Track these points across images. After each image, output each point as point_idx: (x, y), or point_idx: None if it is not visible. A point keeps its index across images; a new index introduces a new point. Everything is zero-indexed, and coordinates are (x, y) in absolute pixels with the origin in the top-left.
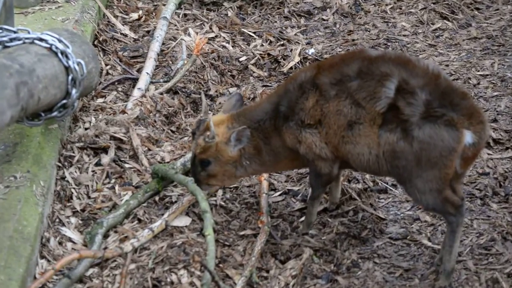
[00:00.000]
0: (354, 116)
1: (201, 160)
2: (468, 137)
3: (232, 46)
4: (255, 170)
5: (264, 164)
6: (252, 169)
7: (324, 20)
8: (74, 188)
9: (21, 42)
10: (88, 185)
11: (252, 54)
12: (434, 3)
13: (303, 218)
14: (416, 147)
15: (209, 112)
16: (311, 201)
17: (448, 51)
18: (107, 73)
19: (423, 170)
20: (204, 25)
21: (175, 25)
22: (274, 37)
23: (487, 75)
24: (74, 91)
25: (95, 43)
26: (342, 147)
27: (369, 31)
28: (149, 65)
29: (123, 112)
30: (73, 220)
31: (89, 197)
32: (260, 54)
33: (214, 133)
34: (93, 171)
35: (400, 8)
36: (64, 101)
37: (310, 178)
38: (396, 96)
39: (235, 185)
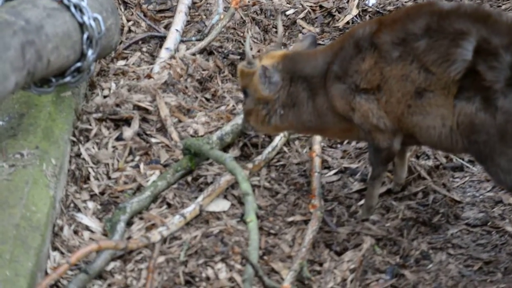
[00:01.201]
0: (424, 83)
1: (242, 88)
2: None
3: None
4: (292, 125)
5: (303, 123)
6: (288, 123)
7: None
8: (91, 167)
9: None
10: (108, 164)
11: (301, 6)
12: None
13: (362, 202)
14: (501, 119)
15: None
16: (371, 181)
17: None
18: (129, 31)
19: (508, 147)
20: None
21: None
22: None
23: None
24: (90, 52)
25: None
26: (408, 118)
27: None
28: (179, 20)
29: (149, 76)
30: (90, 204)
31: (109, 178)
32: (311, 6)
33: (249, 59)
34: (113, 146)
35: None
36: (79, 64)
37: (369, 154)
38: (475, 59)
39: (282, 163)
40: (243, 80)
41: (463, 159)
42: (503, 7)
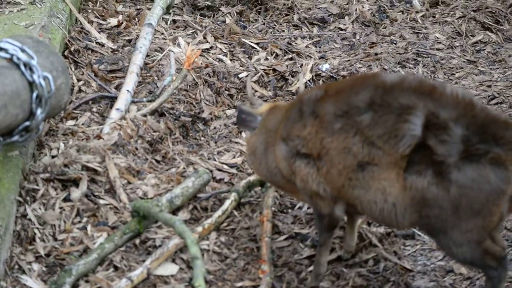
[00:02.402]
0: (367, 157)
1: None
2: None
3: (231, 60)
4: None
5: (264, 174)
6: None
7: (341, 29)
8: (37, 228)
9: None
10: (54, 225)
11: (254, 69)
12: (474, 11)
13: (312, 268)
14: (455, 193)
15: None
16: (318, 248)
17: (491, 68)
18: (80, 90)
19: (461, 220)
20: (197, 33)
21: (162, 34)
22: (281, 49)
23: None
24: (39, 111)
25: (66, 53)
26: (349, 192)
27: (395, 44)
28: (130, 81)
29: (98, 137)
30: (35, 266)
31: (55, 239)
32: (264, 69)
33: (252, 100)
34: (61, 207)
35: (434, 17)
36: (27, 123)
37: (314, 220)
38: (424, 133)
39: (232, 227)
40: None
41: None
42: (457, 75)
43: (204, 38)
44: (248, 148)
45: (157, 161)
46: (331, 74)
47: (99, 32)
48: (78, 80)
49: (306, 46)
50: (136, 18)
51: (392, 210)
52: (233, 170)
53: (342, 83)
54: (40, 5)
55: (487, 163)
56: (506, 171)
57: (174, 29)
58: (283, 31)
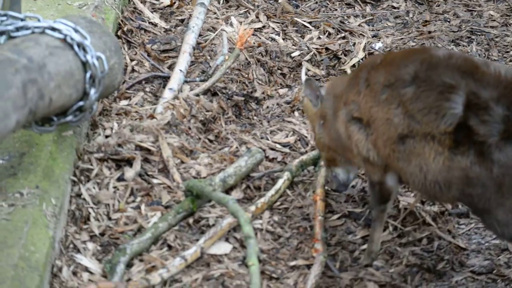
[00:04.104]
0: (406, 129)
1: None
2: None
3: (283, 39)
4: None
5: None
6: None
7: (394, 8)
8: (91, 207)
9: (29, 31)
10: (108, 204)
11: (307, 48)
12: None
13: (366, 246)
14: (497, 172)
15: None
16: (372, 223)
17: None
18: (133, 70)
19: (505, 198)
20: (249, 13)
21: (215, 13)
22: (333, 28)
23: None
24: (93, 91)
25: (119, 33)
26: (394, 162)
27: (449, 22)
28: (183, 60)
29: (152, 117)
30: (90, 245)
31: (109, 219)
32: (317, 48)
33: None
34: (114, 187)
35: None
36: (81, 103)
37: (369, 192)
38: (465, 113)
39: (284, 206)
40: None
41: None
42: (511, 52)
43: (257, 17)
44: (317, 115)
45: (210, 141)
46: (384, 53)
47: (151, 12)
48: (131, 60)
49: (359, 25)
50: None
51: (434, 186)
52: (286, 149)
53: (398, 54)
54: None
55: None
56: None
57: (227, 9)
58: (336, 9)
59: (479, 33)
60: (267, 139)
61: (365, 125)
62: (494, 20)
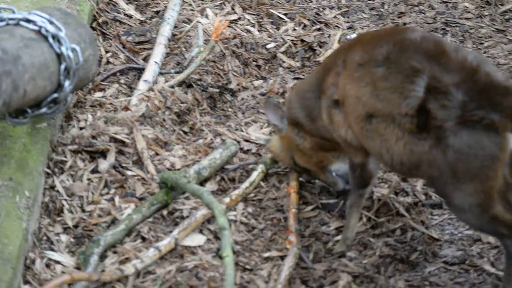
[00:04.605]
0: (372, 109)
1: None
2: None
3: (258, 31)
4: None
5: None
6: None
7: None
8: (65, 199)
9: (4, 23)
10: (82, 196)
11: (282, 40)
12: None
13: (340, 237)
14: (452, 157)
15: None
16: (348, 209)
17: None
18: (108, 62)
19: (460, 183)
20: (224, 4)
21: (190, 5)
22: (308, 20)
23: None
24: (67, 83)
25: (94, 25)
26: (364, 141)
27: (424, 13)
28: (158, 52)
29: (126, 108)
30: (63, 238)
31: (83, 211)
32: (292, 40)
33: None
34: (88, 179)
35: None
36: (55, 95)
37: (349, 176)
38: (426, 96)
39: (259, 198)
40: None
41: None
42: (485, 44)
43: (232, 9)
44: (288, 132)
45: (185, 132)
46: None
47: (127, 4)
48: (106, 52)
49: (334, 17)
50: None
51: (402, 167)
52: (261, 141)
53: (374, 33)
54: None
55: (482, 129)
56: (499, 137)
57: (202, 0)
58: (311, 1)
59: (453, 25)
60: (242, 131)
61: (341, 105)
62: (469, 12)
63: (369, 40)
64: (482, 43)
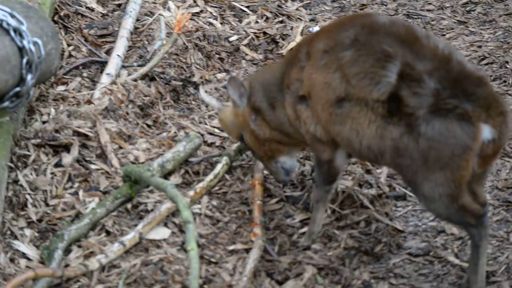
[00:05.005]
0: (343, 93)
1: None
2: (486, 132)
3: (221, 23)
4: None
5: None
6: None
7: None
8: (29, 193)
9: None
10: (46, 190)
11: (244, 32)
12: None
13: (304, 230)
14: (423, 145)
15: None
16: (315, 204)
17: (481, 29)
18: (70, 55)
19: (431, 172)
20: None
21: None
22: (271, 12)
23: None
24: (29, 76)
25: (55, 18)
26: (331, 127)
27: (385, 5)
28: (121, 45)
29: (89, 102)
30: (27, 232)
31: (47, 205)
32: (255, 32)
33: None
34: (52, 173)
35: None
36: (18, 89)
37: (315, 171)
38: (398, 83)
39: (223, 191)
40: None
41: (406, 188)
42: (447, 35)
43: (194, 1)
44: (246, 113)
45: (148, 126)
46: None
47: None
48: (68, 45)
49: (297, 9)
50: None
51: (368, 152)
52: (225, 134)
53: (337, 20)
54: None
55: (454, 118)
56: (472, 127)
57: None
58: None
59: (415, 16)
60: (206, 124)
61: (308, 98)
62: (430, 4)
63: (332, 28)
64: (443, 35)
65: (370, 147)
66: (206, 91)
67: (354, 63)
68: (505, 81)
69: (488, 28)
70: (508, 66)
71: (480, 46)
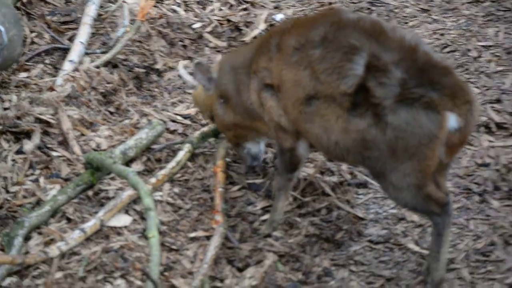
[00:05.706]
0: (313, 91)
1: None
2: (452, 120)
3: (184, 11)
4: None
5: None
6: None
7: None
8: None
9: None
10: (6, 177)
11: (208, 20)
12: None
13: (266, 217)
14: (391, 135)
15: None
16: (276, 192)
17: (444, 17)
18: (33, 42)
19: (399, 162)
20: None
21: None
22: None
23: (490, 46)
24: None
25: (18, 5)
26: (301, 125)
27: None
28: (84, 32)
29: (51, 89)
30: None
31: (7, 192)
32: (218, 20)
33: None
34: (13, 160)
35: None
36: None
37: (277, 159)
38: (365, 75)
39: (185, 178)
40: None
41: (367, 176)
42: (410, 23)
43: None
44: (214, 97)
45: (111, 113)
46: None
47: None
48: (31, 32)
49: None
50: None
51: (335, 148)
52: (187, 121)
53: (309, 17)
54: None
55: (420, 107)
56: (438, 116)
57: None
58: None
59: (379, 4)
60: (168, 111)
61: (277, 90)
62: None
63: (304, 24)
64: (407, 23)
65: (338, 143)
66: (185, 67)
67: (322, 60)
68: (467, 69)
69: (451, 16)
70: (470, 54)
71: (442, 34)
